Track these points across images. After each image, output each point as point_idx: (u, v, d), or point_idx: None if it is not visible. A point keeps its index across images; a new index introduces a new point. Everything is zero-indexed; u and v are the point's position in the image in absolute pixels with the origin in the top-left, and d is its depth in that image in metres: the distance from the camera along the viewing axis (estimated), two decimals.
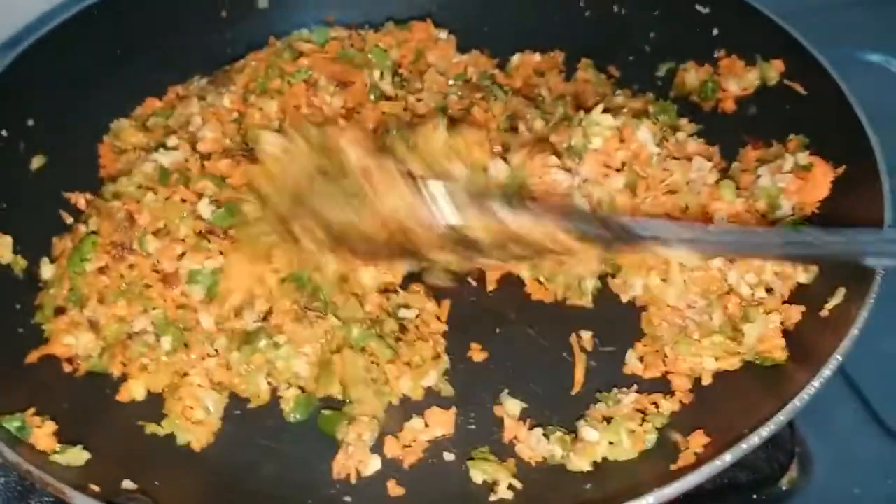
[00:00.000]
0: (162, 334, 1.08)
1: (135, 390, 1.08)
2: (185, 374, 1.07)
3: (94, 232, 1.14)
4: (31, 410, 0.98)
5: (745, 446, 0.82)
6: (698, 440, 0.94)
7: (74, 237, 1.16)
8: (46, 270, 1.16)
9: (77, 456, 0.95)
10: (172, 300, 1.09)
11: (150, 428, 1.05)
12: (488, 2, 1.51)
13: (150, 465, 1.00)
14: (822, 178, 1.10)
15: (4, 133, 1.21)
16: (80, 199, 1.24)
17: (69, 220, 1.22)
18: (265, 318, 1.08)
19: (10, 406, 0.97)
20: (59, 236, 1.20)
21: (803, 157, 1.14)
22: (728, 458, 0.83)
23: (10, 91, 1.23)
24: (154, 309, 1.09)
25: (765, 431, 0.83)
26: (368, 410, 1.03)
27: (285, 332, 1.06)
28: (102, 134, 1.32)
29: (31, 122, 1.25)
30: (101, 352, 1.10)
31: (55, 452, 0.95)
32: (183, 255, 1.10)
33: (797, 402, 0.85)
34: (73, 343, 1.10)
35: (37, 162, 1.24)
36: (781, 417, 0.84)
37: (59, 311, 1.13)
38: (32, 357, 1.08)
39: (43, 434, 0.96)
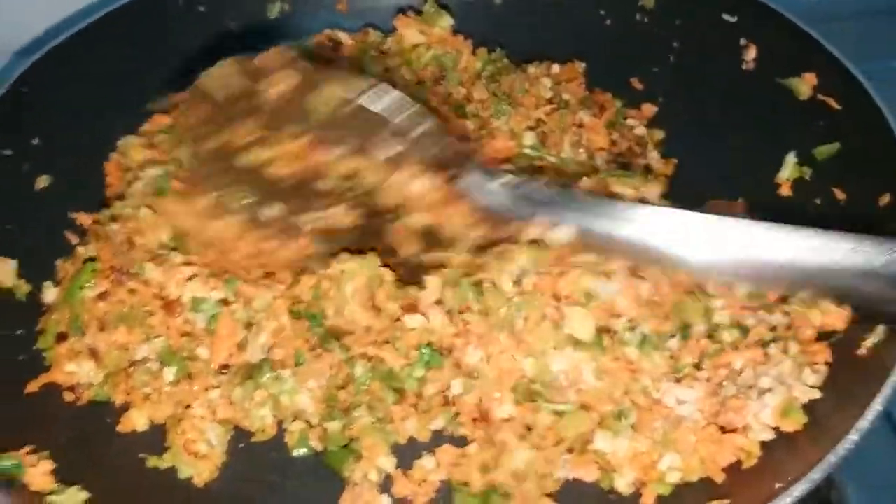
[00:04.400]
0: (165, 364, 1.04)
1: (137, 420, 1.04)
2: (188, 406, 1.04)
3: (93, 258, 1.10)
4: (27, 448, 0.95)
5: None
6: None
7: (76, 261, 1.13)
8: (49, 295, 1.14)
9: (74, 497, 0.92)
10: (176, 328, 1.06)
11: (152, 461, 1.01)
12: (505, 11, 1.46)
13: (150, 502, 0.97)
14: None
15: (8, 152, 1.19)
16: (86, 220, 1.22)
17: (75, 241, 1.19)
18: (269, 350, 1.04)
19: (6, 442, 0.94)
20: (63, 259, 1.17)
21: None
22: None
23: (13, 109, 1.21)
24: (156, 337, 1.06)
25: (797, 491, 0.77)
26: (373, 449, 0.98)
27: (289, 366, 1.02)
28: (109, 152, 1.29)
29: (35, 141, 1.22)
30: (103, 380, 1.07)
31: (51, 493, 0.92)
32: (190, 278, 1.06)
33: (832, 458, 0.79)
34: (74, 370, 1.07)
35: (42, 182, 1.22)
36: (815, 475, 0.78)
37: (62, 337, 1.10)
38: (33, 386, 1.05)
39: (39, 473, 0.93)
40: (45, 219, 1.20)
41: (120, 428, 1.04)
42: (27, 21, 1.51)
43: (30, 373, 1.06)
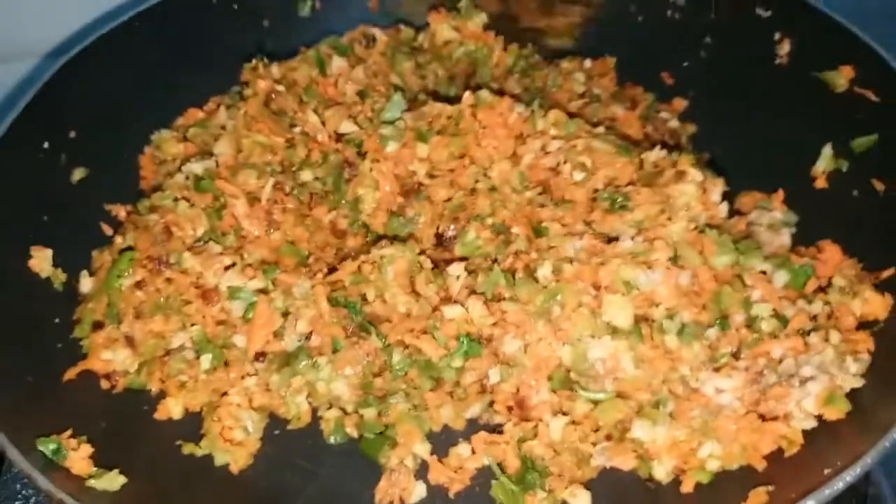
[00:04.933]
0: (201, 352, 1.05)
1: (173, 408, 1.05)
2: (225, 394, 1.04)
3: (130, 247, 1.11)
4: (68, 432, 0.95)
5: (827, 492, 0.75)
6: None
7: (113, 251, 1.14)
8: (85, 284, 1.14)
9: (113, 481, 0.93)
10: (212, 317, 1.06)
11: (188, 448, 1.02)
12: None
13: (186, 489, 0.97)
14: None
15: (46, 145, 1.20)
16: (121, 212, 1.23)
17: (110, 232, 1.20)
18: (306, 338, 1.04)
19: (47, 426, 0.95)
20: (99, 250, 1.18)
21: None
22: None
23: (51, 102, 1.22)
24: (192, 325, 1.07)
25: (848, 476, 0.75)
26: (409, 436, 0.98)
27: (326, 353, 1.03)
28: (144, 145, 1.30)
29: (72, 134, 1.23)
30: (138, 368, 1.07)
31: (91, 477, 0.92)
32: (228, 267, 1.07)
33: (886, 443, 0.77)
34: (111, 358, 1.07)
35: (78, 174, 1.23)
36: (868, 460, 0.76)
37: (98, 325, 1.10)
38: (71, 374, 1.05)
39: (79, 457, 0.93)
40: (80, 210, 1.21)
41: (156, 416, 1.05)
42: (57, 23, 1.52)
43: (67, 361, 1.07)
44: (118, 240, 1.15)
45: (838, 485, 0.76)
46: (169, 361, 1.06)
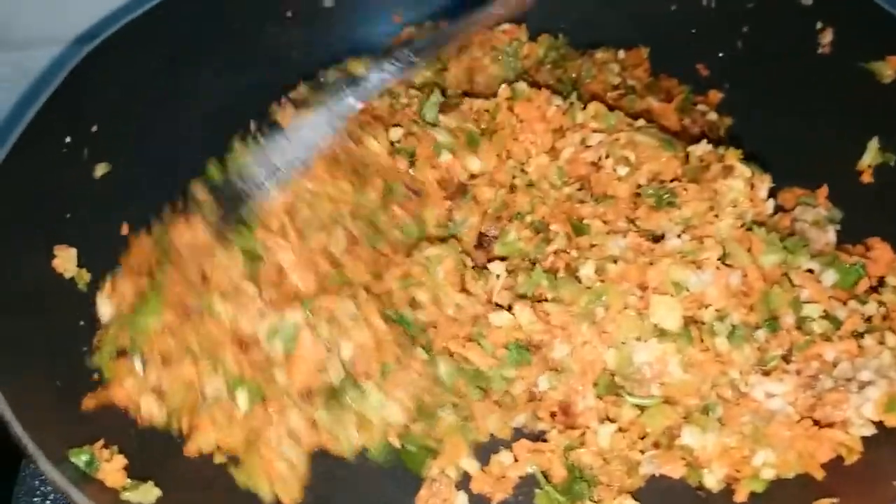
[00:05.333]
0: (235, 389, 0.96)
1: (203, 445, 0.97)
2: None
3: (154, 285, 1.03)
4: (100, 442, 0.92)
5: None
6: None
7: (134, 282, 1.05)
8: (105, 311, 1.06)
9: (148, 493, 0.90)
10: (249, 362, 0.97)
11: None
12: None
13: (220, 501, 0.94)
14: None
15: (68, 139, 1.16)
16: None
17: (132, 232, 1.16)
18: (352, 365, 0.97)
19: (79, 437, 0.91)
20: (112, 272, 1.09)
21: None
22: None
23: (74, 95, 1.18)
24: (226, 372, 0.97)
25: None
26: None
27: (373, 377, 0.96)
28: (167, 140, 1.25)
29: (95, 128, 1.19)
30: (167, 417, 0.98)
31: (125, 489, 0.89)
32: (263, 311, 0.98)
33: None
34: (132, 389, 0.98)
35: (101, 170, 1.19)
36: None
37: (122, 353, 1.02)
38: (89, 404, 0.98)
39: (112, 469, 0.90)
40: (104, 207, 1.17)
41: (186, 452, 0.97)
42: (81, 10, 1.49)
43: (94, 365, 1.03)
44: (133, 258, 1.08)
45: None
46: (200, 404, 0.96)
